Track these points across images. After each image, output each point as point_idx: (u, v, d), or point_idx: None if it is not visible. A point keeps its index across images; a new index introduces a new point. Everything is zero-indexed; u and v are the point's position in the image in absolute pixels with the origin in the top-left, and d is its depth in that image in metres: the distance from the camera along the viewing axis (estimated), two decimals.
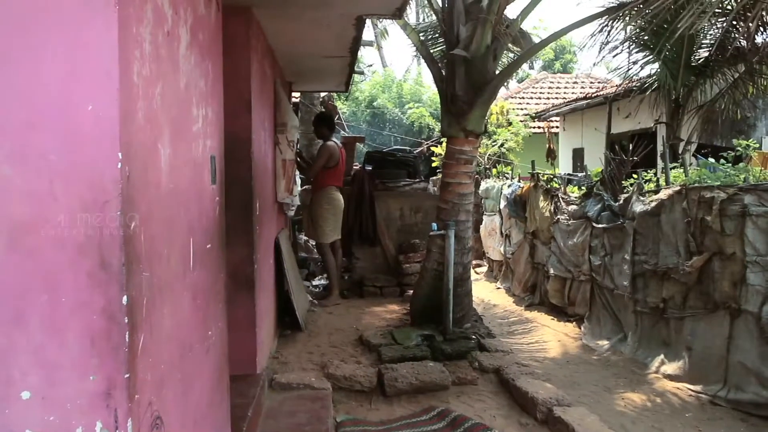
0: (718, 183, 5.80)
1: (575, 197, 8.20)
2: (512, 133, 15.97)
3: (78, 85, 1.62)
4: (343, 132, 20.01)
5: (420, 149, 18.75)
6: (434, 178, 12.58)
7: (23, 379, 1.60)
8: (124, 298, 1.64)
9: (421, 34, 8.21)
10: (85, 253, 1.62)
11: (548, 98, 21.27)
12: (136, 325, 1.73)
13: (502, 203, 10.48)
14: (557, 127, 18.11)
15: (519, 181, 10.69)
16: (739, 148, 7.50)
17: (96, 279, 1.62)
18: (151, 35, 1.93)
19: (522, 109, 19.92)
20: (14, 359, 1.60)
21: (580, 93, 18.24)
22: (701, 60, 9.87)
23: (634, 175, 7.36)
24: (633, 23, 7.50)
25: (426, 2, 7.91)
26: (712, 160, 7.10)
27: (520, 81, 28.09)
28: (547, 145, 15.57)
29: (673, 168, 7.29)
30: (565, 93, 21.42)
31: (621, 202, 6.97)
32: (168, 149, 2.10)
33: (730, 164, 6.66)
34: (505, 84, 15.22)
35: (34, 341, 1.60)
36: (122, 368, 1.64)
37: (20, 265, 1.60)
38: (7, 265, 1.59)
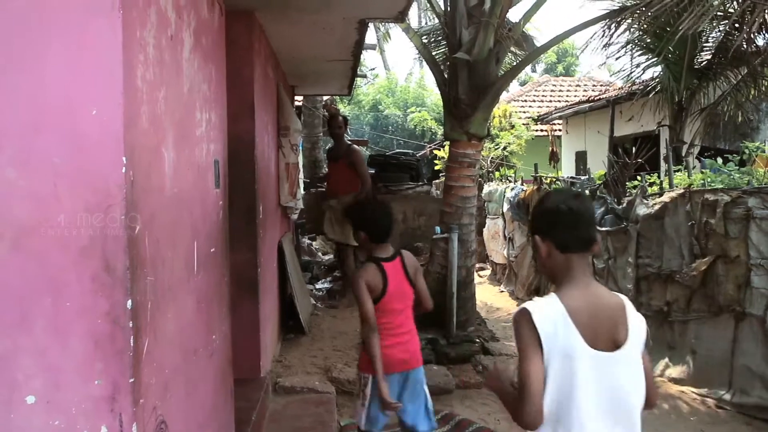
0: (722, 186, 5.79)
1: None
2: (515, 136, 15.96)
3: (82, 89, 1.62)
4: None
5: (423, 152, 18.75)
6: (437, 181, 12.56)
7: (28, 383, 1.60)
8: (129, 302, 1.64)
9: (423, 38, 8.21)
10: (90, 257, 1.62)
11: (551, 101, 21.26)
12: (141, 329, 1.73)
13: (506, 206, 10.46)
14: (560, 130, 18.10)
15: (522, 184, 10.68)
16: (746, 150, 7.48)
17: (100, 283, 1.62)
18: (155, 39, 1.93)
19: (524, 112, 19.92)
20: (19, 363, 1.60)
21: (583, 96, 18.23)
22: (704, 63, 9.87)
23: (638, 178, 7.34)
24: (635, 26, 7.49)
25: (428, 5, 7.91)
26: (719, 160, 7.08)
27: (523, 84, 28.14)
28: (550, 148, 15.55)
29: (677, 171, 7.28)
30: (567, 96, 21.42)
31: (624, 205, 6.95)
32: (172, 153, 2.10)
33: (736, 167, 6.64)
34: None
35: (39, 345, 1.60)
36: (127, 372, 1.64)
37: (24, 268, 1.60)
38: (12, 268, 1.59)
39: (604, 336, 1.89)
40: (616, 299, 1.98)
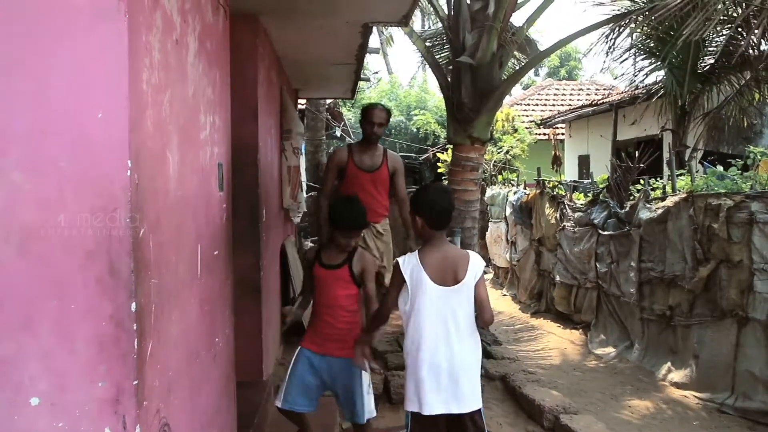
0: (725, 190, 5.78)
1: (581, 204, 8.18)
2: (518, 140, 15.96)
3: (88, 92, 1.63)
4: (348, 139, 20.03)
5: (426, 156, 18.76)
6: None
7: (32, 385, 1.61)
8: (133, 305, 1.65)
9: (427, 42, 8.23)
10: (95, 260, 1.63)
11: (554, 105, 21.24)
12: (145, 331, 1.73)
13: (508, 210, 10.47)
14: (563, 134, 18.09)
15: (525, 188, 10.68)
16: (750, 155, 7.47)
17: (105, 285, 1.63)
18: (160, 43, 1.94)
19: (527, 116, 19.90)
20: (24, 365, 1.60)
21: (586, 100, 18.21)
22: (707, 67, 9.85)
23: (641, 182, 7.34)
24: (638, 30, 7.50)
25: (432, 10, 7.93)
26: (720, 168, 7.08)
27: (526, 88, 28.11)
28: (553, 152, 15.54)
29: (680, 175, 7.28)
30: (570, 100, 21.39)
31: (627, 209, 6.95)
32: (176, 156, 2.11)
33: (739, 171, 6.64)
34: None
35: (44, 347, 1.61)
36: (131, 375, 1.65)
37: (30, 271, 1.61)
38: (17, 270, 1.60)
39: (449, 276, 2.94)
40: (462, 253, 3.08)
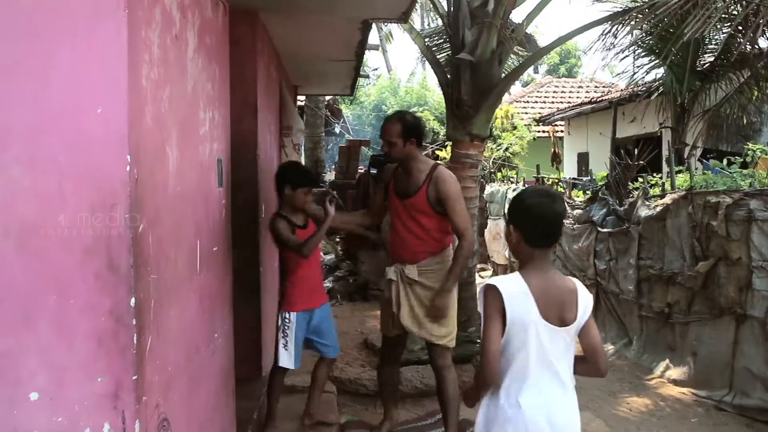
0: (724, 188, 5.78)
1: (580, 201, 8.18)
2: (517, 137, 15.97)
3: (87, 88, 1.63)
4: (347, 136, 20.04)
5: (425, 153, 18.75)
6: None
7: (32, 381, 1.61)
8: (132, 300, 1.65)
9: (426, 39, 8.21)
10: (94, 255, 1.63)
11: (553, 102, 21.25)
12: (144, 327, 1.73)
13: (507, 207, 10.46)
14: (562, 131, 18.10)
15: (524, 185, 10.67)
16: (749, 152, 7.47)
17: (104, 281, 1.63)
18: (160, 39, 1.94)
19: (527, 113, 19.92)
20: (23, 360, 1.61)
21: (585, 97, 18.22)
22: (707, 65, 9.86)
23: (640, 180, 7.35)
24: (639, 28, 7.49)
25: (431, 6, 7.91)
26: (724, 162, 7.08)
27: (525, 85, 28.12)
28: (552, 150, 15.55)
29: (679, 172, 7.28)
30: (569, 97, 21.40)
31: (626, 206, 6.95)
32: (175, 152, 2.11)
33: (739, 170, 6.64)
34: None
35: (43, 342, 1.61)
36: (130, 370, 1.65)
37: (29, 266, 1.61)
38: (16, 266, 1.60)
39: (553, 312, 2.24)
40: (570, 284, 2.34)
